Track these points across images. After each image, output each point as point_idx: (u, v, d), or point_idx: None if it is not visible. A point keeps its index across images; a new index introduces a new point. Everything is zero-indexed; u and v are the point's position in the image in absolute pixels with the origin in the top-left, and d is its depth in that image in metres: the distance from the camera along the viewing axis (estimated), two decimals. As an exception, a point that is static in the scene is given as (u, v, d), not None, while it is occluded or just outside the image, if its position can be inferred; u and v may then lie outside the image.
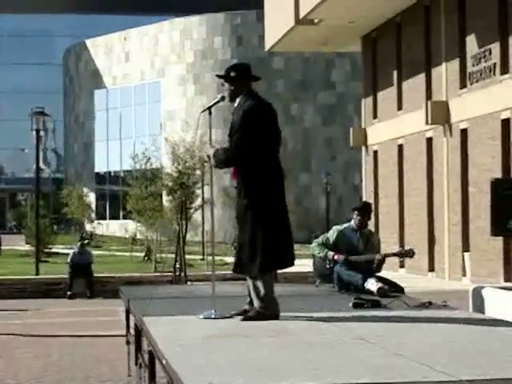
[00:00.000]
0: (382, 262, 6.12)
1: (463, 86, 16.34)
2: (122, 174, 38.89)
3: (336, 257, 6.07)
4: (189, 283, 14.68)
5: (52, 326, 10.56)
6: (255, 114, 4.49)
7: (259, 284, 4.48)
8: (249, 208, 4.49)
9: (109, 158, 42.63)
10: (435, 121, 16.89)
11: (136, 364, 5.48)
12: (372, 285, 5.73)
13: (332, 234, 6.25)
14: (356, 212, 6.30)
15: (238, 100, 4.60)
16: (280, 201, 4.56)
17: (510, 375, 2.86)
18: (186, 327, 4.21)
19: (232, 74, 4.62)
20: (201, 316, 4.49)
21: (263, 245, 4.45)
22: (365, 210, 6.35)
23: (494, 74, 15.21)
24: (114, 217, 41.51)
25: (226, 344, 3.72)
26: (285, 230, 4.56)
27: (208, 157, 4.62)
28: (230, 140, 4.54)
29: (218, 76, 4.83)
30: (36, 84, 48.35)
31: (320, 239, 6.29)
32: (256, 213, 4.47)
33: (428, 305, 4.97)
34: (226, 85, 4.65)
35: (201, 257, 23.96)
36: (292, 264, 4.61)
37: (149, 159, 21.25)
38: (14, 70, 49.24)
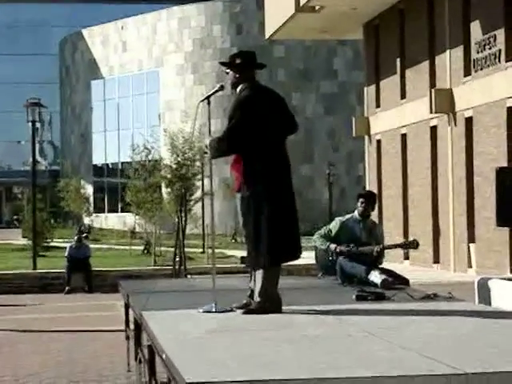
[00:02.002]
0: (380, 254, 6.03)
1: (468, 73, 16.11)
2: (120, 166, 38.71)
3: (338, 249, 5.99)
4: (189, 277, 14.50)
5: (50, 321, 10.52)
6: (249, 102, 4.39)
7: (264, 277, 4.40)
8: (252, 200, 4.38)
9: (106, 149, 42.43)
10: (439, 109, 16.69)
11: (135, 359, 5.44)
12: (376, 277, 5.67)
13: (334, 226, 6.19)
14: (361, 199, 6.22)
15: (238, 88, 4.50)
16: (285, 191, 4.44)
17: (516, 367, 2.79)
18: (186, 321, 4.16)
19: (237, 61, 4.52)
20: (201, 310, 4.45)
21: (268, 238, 4.35)
22: (370, 198, 6.31)
23: (499, 61, 14.98)
24: (113, 210, 41.33)
25: (227, 338, 3.69)
26: (290, 222, 4.44)
27: (207, 147, 4.55)
28: None
29: (221, 63, 4.72)
30: (32, 75, 48.13)
31: (322, 231, 6.24)
32: (259, 205, 4.37)
33: (433, 297, 4.91)
34: (231, 72, 4.54)
35: (201, 250, 23.79)
36: (297, 257, 4.50)
37: (150, 151, 21.00)
38: (10, 61, 49.00)
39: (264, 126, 4.39)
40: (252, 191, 4.39)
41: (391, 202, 19.67)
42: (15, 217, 30.63)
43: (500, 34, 14.92)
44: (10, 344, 8.44)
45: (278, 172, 4.41)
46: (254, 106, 4.39)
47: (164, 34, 38.46)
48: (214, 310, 4.39)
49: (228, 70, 4.56)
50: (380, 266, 5.94)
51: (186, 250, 17.70)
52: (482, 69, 15.57)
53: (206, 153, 4.74)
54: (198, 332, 3.78)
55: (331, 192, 32.91)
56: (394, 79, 19.59)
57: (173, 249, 17.66)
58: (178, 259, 16.44)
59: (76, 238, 16.30)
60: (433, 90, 16.83)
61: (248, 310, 4.38)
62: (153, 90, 39.03)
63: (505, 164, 14.12)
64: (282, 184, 4.43)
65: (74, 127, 45.20)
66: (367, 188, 20.52)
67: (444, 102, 16.55)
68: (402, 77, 19.15)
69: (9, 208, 46.98)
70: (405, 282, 5.79)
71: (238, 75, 4.50)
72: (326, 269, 6.10)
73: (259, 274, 4.41)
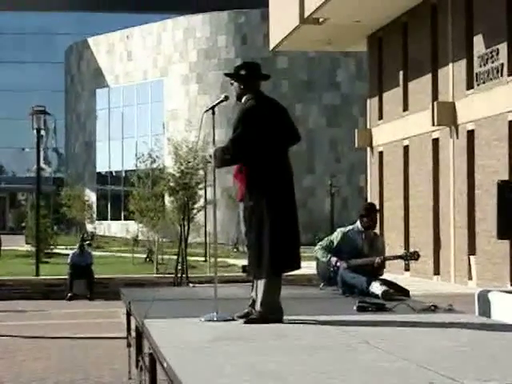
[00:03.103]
0: (381, 265, 6.04)
1: (470, 86, 16.18)
2: (123, 174, 38.81)
3: (338, 263, 6.01)
4: (191, 285, 14.50)
5: (52, 327, 10.47)
6: (253, 112, 4.42)
7: (265, 286, 4.41)
8: (254, 210, 4.41)
9: (110, 157, 42.51)
10: (441, 122, 16.74)
11: (137, 367, 5.43)
12: (376, 288, 5.67)
13: (336, 237, 6.19)
14: (365, 212, 6.24)
15: (243, 99, 4.54)
16: (287, 202, 4.47)
17: (516, 380, 2.80)
18: (187, 330, 4.17)
19: (242, 72, 4.56)
20: (203, 318, 4.44)
21: (270, 248, 4.37)
22: (371, 211, 6.29)
23: (502, 75, 15.05)
24: (116, 217, 41.36)
25: (229, 347, 3.67)
26: (292, 232, 4.47)
27: (210, 157, 4.63)
28: None
29: (226, 75, 4.74)
30: (37, 82, 48.28)
31: (324, 242, 6.24)
32: (261, 215, 4.40)
33: (433, 308, 4.91)
34: (235, 84, 4.58)
35: (203, 258, 23.79)
36: (298, 267, 4.52)
37: (154, 160, 21.09)
38: (16, 69, 49.20)
39: (267, 136, 4.40)
40: (255, 201, 4.40)
41: (392, 213, 19.70)
42: (23, 224, 30.80)
43: (503, 48, 15.00)
44: (12, 350, 8.43)
45: (280, 182, 4.43)
46: (258, 116, 4.41)
47: (169, 43, 38.61)
48: (215, 318, 4.39)
49: (233, 81, 4.60)
50: (381, 277, 5.94)
51: (189, 258, 17.70)
52: (484, 82, 15.65)
53: (209, 162, 4.82)
54: (199, 340, 3.78)
55: (333, 202, 32.93)
56: (396, 91, 19.66)
57: (175, 257, 17.68)
58: (180, 267, 16.46)
59: (78, 245, 16.35)
60: (435, 103, 16.89)
61: (249, 319, 4.39)
62: (157, 100, 39.14)
63: (506, 177, 14.14)
64: (284, 194, 4.44)
65: (79, 135, 45.31)
66: (369, 199, 20.57)
67: (446, 115, 16.61)
68: (405, 89, 19.22)
69: (13, 214, 47.04)
70: (405, 293, 5.80)
71: (242, 86, 4.54)
72: (328, 279, 6.10)
73: (261, 283, 4.42)
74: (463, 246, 16.41)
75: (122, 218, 39.13)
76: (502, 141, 14.97)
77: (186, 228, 17.18)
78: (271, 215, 4.38)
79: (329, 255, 6.07)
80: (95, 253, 19.65)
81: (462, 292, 13.40)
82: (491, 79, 15.38)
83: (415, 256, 6.18)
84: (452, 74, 16.89)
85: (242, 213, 4.54)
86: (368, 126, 21.73)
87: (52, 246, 25.70)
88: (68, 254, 16.91)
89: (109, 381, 6.65)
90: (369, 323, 4.34)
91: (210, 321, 4.39)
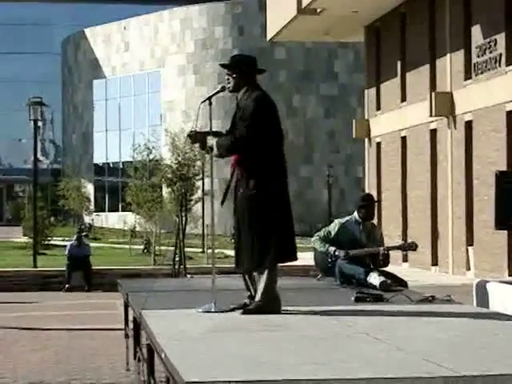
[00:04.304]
0: (387, 255, 6.02)
1: (468, 77, 16.15)
2: (121, 166, 38.76)
3: (337, 252, 5.99)
4: (188, 276, 14.53)
5: (50, 319, 10.50)
6: (265, 103, 4.47)
7: (267, 277, 4.41)
8: (258, 199, 4.40)
9: (108, 148, 42.43)
10: (439, 112, 16.72)
11: (134, 358, 5.45)
12: (374, 279, 5.67)
13: (334, 228, 6.18)
14: (364, 203, 6.24)
15: (242, 91, 4.55)
16: (286, 192, 4.52)
17: (514, 371, 2.80)
18: (185, 321, 4.17)
19: (240, 67, 4.58)
20: (200, 309, 4.45)
21: (276, 237, 4.38)
22: (369, 202, 6.29)
23: (500, 65, 15.02)
24: (113, 209, 41.32)
25: (226, 338, 3.68)
26: (291, 222, 4.52)
27: (210, 148, 4.55)
28: (234, 128, 4.49)
29: (222, 66, 4.72)
30: (34, 73, 48.08)
31: (321, 233, 6.22)
32: (266, 204, 4.39)
33: (431, 299, 4.91)
34: (232, 75, 4.59)
35: (201, 250, 23.81)
36: (297, 258, 4.53)
37: (151, 151, 21.07)
38: (12, 59, 48.99)
39: (274, 127, 4.48)
40: (259, 190, 4.41)
41: (390, 204, 19.70)
42: (21, 215, 30.83)
43: (501, 39, 14.95)
44: (10, 341, 8.44)
45: (282, 172, 4.50)
46: (270, 107, 4.47)
47: (166, 34, 38.47)
48: (213, 309, 4.41)
49: (229, 73, 4.59)
50: (379, 268, 5.92)
51: (186, 249, 17.71)
52: (482, 73, 15.61)
53: (207, 152, 4.78)
54: (197, 331, 3.78)
55: (330, 193, 32.93)
56: (394, 82, 19.62)
57: (172, 248, 17.68)
58: (177, 259, 16.46)
59: (76, 236, 16.35)
60: (433, 94, 16.86)
61: (247, 309, 4.39)
62: (154, 90, 39.05)
63: (504, 168, 14.14)
64: (286, 184, 4.52)
65: (76, 126, 45.19)
66: (366, 190, 20.56)
67: (444, 106, 16.58)
68: (403, 80, 19.19)
69: (10, 206, 46.97)
70: (403, 284, 5.81)
71: (238, 80, 4.55)
72: (325, 270, 6.09)
73: (262, 274, 4.41)
74: (461, 236, 16.42)
75: (120, 209, 39.08)
76: (500, 131, 14.96)
77: (184, 219, 17.18)
78: (275, 205, 4.39)
79: (326, 245, 6.07)
80: (93, 244, 19.66)
81: (460, 283, 13.43)
82: (489, 69, 15.35)
83: (413, 246, 6.22)
84: (450, 64, 16.84)
85: (240, 202, 4.49)
86: (366, 117, 21.71)
87: (49, 238, 25.69)
88: (65, 246, 16.91)
89: (107, 372, 6.65)
90: (367, 314, 4.34)
91: (207, 312, 4.40)
